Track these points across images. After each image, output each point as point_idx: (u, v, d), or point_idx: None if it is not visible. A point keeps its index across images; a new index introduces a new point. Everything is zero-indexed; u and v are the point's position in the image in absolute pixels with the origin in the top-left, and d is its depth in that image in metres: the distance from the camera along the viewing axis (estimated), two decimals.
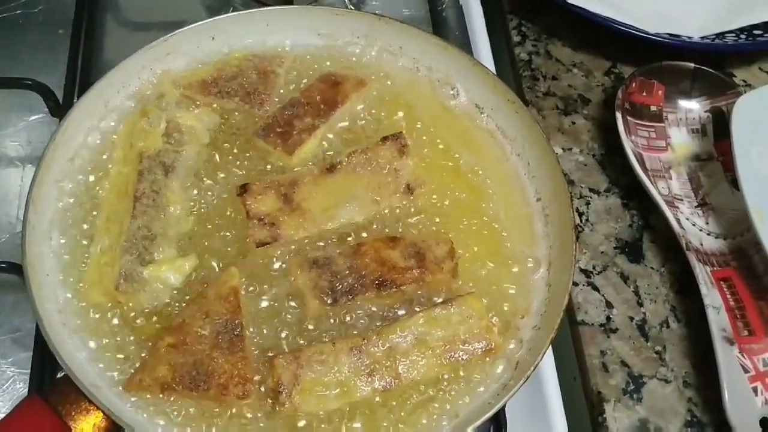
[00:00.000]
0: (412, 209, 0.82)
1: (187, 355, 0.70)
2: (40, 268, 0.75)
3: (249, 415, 0.70)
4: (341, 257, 0.77)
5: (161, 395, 0.69)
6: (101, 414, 0.67)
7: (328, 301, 0.74)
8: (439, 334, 0.73)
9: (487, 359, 0.74)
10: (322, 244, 0.79)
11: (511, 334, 0.77)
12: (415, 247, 0.78)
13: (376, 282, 0.75)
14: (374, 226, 0.81)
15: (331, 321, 0.75)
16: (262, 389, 0.71)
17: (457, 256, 0.78)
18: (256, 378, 0.71)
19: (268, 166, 0.84)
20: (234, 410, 0.70)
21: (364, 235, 0.80)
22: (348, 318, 0.75)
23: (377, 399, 0.71)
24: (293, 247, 0.79)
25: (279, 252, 0.78)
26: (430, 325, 0.74)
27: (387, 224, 0.81)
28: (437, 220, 0.82)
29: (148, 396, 0.69)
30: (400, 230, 0.81)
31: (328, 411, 0.70)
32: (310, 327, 0.75)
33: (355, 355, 0.72)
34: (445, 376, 0.73)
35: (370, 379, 0.71)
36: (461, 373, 0.74)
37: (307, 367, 0.70)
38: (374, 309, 0.76)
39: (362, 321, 0.76)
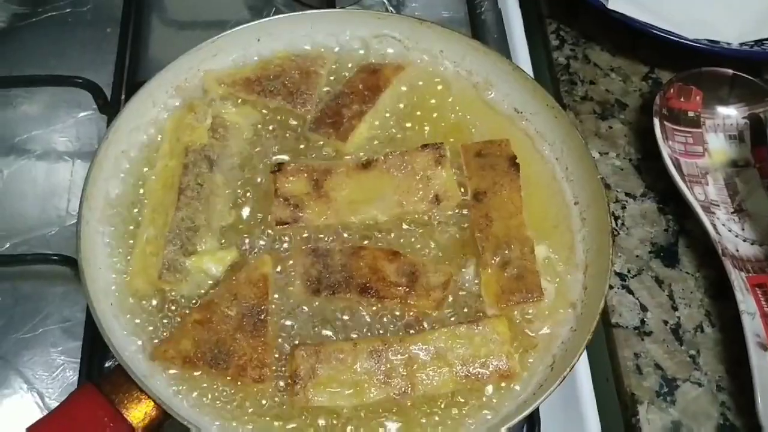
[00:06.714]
0: (438, 217, 0.83)
1: (212, 332, 0.73)
2: (93, 262, 0.77)
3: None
4: (339, 254, 0.78)
5: (183, 367, 0.72)
6: (152, 402, 0.70)
7: (311, 289, 0.76)
8: (459, 352, 0.74)
9: (503, 384, 0.75)
10: (330, 237, 0.81)
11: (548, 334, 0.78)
12: (412, 268, 0.78)
13: (360, 287, 0.76)
14: (396, 228, 0.82)
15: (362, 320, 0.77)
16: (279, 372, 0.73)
17: (450, 290, 0.78)
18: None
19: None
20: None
21: (386, 235, 0.81)
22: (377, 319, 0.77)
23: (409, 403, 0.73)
24: (310, 233, 0.81)
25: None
26: (452, 342, 0.74)
27: (410, 228, 0.82)
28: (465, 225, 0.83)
29: (202, 385, 0.72)
30: (419, 236, 0.82)
31: (337, 408, 0.72)
32: (344, 317, 0.77)
33: (374, 358, 0.73)
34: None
35: (383, 385, 0.72)
36: None
37: (325, 362, 0.72)
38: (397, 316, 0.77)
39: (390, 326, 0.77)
